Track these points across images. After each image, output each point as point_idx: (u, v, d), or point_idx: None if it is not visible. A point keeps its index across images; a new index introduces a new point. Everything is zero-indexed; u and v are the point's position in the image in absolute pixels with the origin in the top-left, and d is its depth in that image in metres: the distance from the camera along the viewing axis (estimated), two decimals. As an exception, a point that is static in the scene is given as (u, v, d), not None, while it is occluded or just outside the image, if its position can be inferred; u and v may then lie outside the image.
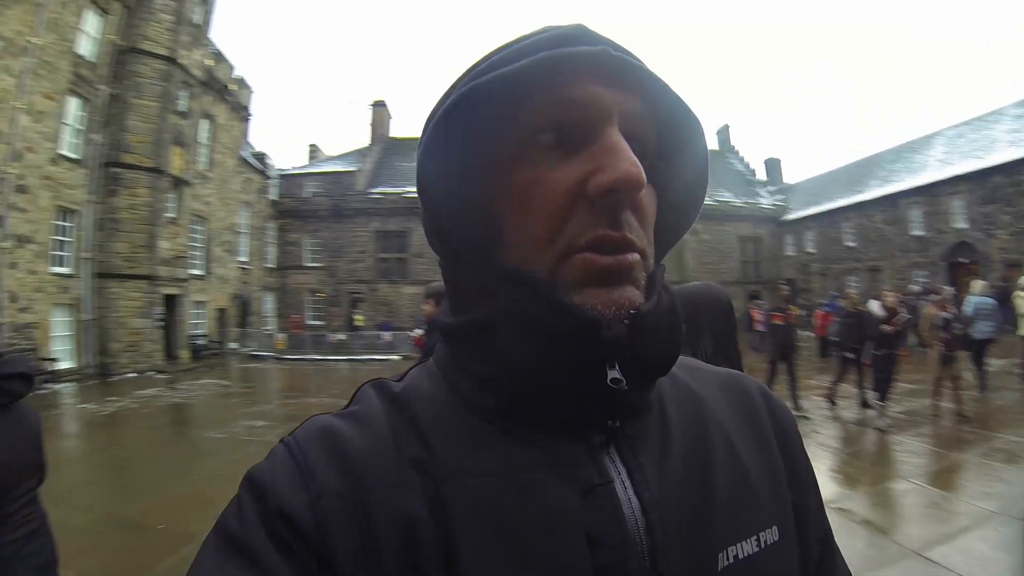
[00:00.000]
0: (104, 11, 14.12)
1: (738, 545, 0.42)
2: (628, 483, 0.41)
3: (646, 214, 0.42)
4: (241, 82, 21.02)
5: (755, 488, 0.45)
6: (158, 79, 15.30)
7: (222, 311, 19.68)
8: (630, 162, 0.38)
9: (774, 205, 29.50)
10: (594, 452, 0.41)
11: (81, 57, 13.48)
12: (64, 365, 12.72)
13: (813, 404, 7.59)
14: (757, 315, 16.31)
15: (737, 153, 34.11)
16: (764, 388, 0.55)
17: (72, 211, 13.47)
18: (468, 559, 0.36)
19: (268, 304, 23.72)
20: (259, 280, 22.74)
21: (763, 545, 0.43)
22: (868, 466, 5.16)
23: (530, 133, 0.40)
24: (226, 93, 19.80)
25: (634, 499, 0.40)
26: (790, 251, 28.45)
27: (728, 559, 0.41)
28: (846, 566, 0.52)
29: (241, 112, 21.41)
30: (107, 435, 8.26)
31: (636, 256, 0.40)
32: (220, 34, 65.31)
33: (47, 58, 12.32)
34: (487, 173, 0.42)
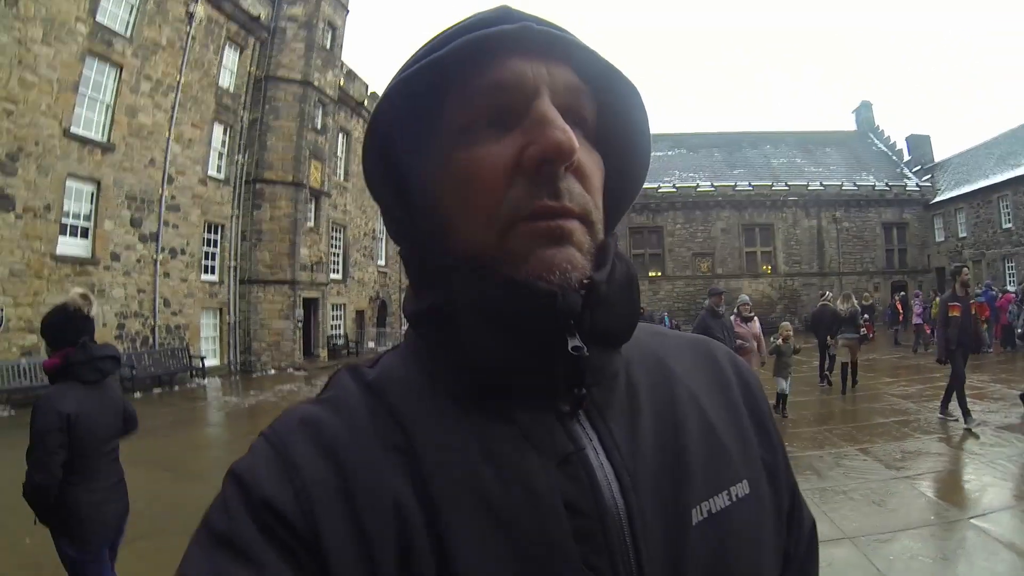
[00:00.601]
0: (241, 47, 15.86)
1: (710, 500, 0.43)
2: (600, 448, 0.42)
3: (590, 179, 0.43)
4: (373, 97, 22.30)
5: (724, 445, 0.46)
6: (294, 101, 16.74)
7: (360, 312, 20.97)
8: (560, 129, 0.39)
9: (921, 186, 27.00)
10: (564, 421, 0.42)
11: (223, 88, 15.27)
12: (211, 362, 14.38)
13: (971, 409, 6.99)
14: (902, 307, 15.38)
15: (882, 133, 31.03)
16: (730, 352, 0.56)
17: (219, 225, 15.30)
18: (457, 539, 0.36)
19: (408, 306, 24.82)
20: (397, 283, 23.88)
21: (735, 498, 0.44)
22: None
23: (463, 121, 0.42)
24: (361, 108, 21.15)
25: (606, 463, 0.41)
26: (940, 236, 26.33)
27: (702, 514, 0.42)
28: (810, 513, 0.55)
29: (377, 125, 22.70)
30: (247, 424, 9.06)
31: (575, 222, 0.41)
32: (354, 53, 76.36)
33: (192, 93, 14.14)
34: (427, 164, 0.44)
